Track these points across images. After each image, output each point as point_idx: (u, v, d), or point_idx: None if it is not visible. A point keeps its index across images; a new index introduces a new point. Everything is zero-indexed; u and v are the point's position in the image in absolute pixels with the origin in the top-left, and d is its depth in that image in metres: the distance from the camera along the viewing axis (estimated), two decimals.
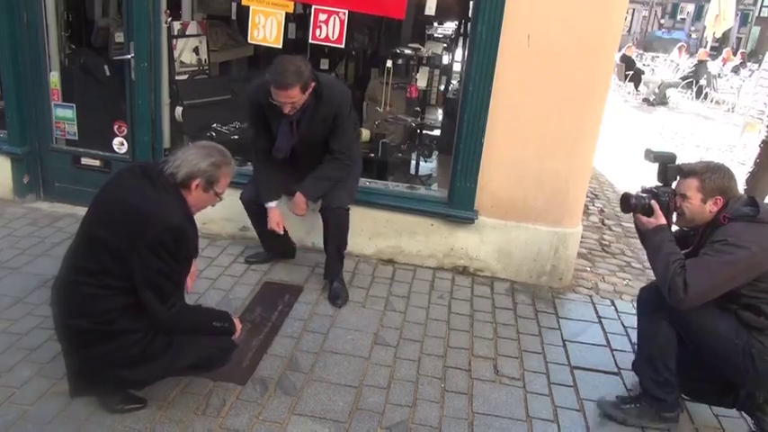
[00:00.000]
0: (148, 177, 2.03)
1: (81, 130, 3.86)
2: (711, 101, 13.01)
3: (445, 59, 4.68)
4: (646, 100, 12.86)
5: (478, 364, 2.74)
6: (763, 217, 2.14)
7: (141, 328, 2.02)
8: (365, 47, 4.99)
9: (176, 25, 3.99)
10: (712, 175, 2.23)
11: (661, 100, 12.74)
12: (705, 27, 17.78)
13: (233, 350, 2.26)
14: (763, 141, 5.00)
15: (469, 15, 3.50)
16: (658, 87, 12.82)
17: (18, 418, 2.11)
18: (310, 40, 3.36)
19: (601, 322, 3.24)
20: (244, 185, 3.21)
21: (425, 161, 4.61)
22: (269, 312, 2.97)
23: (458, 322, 3.08)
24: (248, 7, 3.34)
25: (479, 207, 3.48)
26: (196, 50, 4.18)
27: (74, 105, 3.83)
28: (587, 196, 4.56)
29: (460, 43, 4.76)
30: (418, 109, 4.35)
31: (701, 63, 13.36)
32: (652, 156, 2.39)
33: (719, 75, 13.91)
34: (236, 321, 2.29)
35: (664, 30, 34.55)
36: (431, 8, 3.55)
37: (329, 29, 3.30)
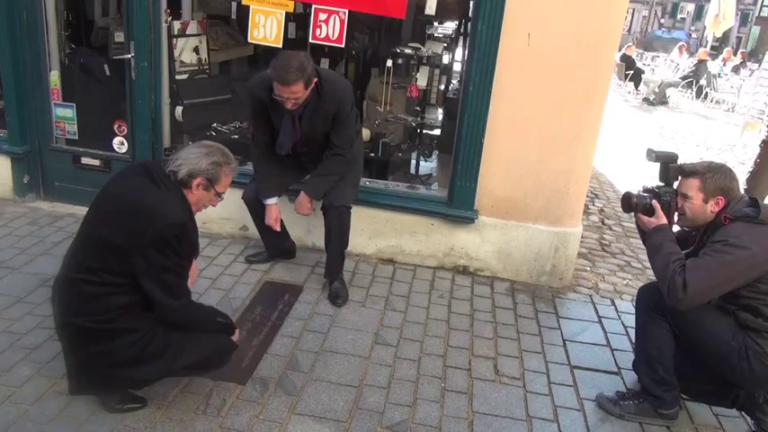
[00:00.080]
0: (150, 176, 2.04)
1: (81, 130, 3.87)
2: (711, 100, 13.01)
3: (445, 59, 4.66)
4: (646, 100, 12.86)
5: (478, 364, 2.75)
6: (763, 218, 2.14)
7: (141, 328, 2.02)
8: (365, 46, 4.98)
9: (176, 25, 3.98)
10: (714, 176, 2.23)
11: (661, 99, 12.74)
12: (705, 27, 17.80)
13: (232, 351, 2.26)
14: (764, 141, 4.99)
15: (470, 15, 3.49)
16: (658, 87, 12.81)
17: (18, 418, 2.11)
18: (310, 40, 3.35)
19: (601, 322, 3.24)
20: (245, 185, 3.21)
21: (425, 161, 4.61)
22: (269, 312, 2.97)
23: (458, 322, 3.08)
24: (248, 7, 3.34)
25: (479, 207, 3.48)
26: (196, 50, 4.18)
27: (74, 105, 3.84)
28: (587, 196, 4.56)
29: (461, 43, 4.75)
30: (418, 108, 4.34)
31: (701, 63, 13.36)
32: (654, 155, 2.39)
33: (719, 74, 13.91)
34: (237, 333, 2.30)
35: (664, 29, 34.55)
36: (431, 8, 3.55)
37: (329, 28, 3.30)
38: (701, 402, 2.57)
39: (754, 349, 2.18)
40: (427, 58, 4.25)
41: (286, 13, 3.33)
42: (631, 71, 13.38)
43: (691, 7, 37.09)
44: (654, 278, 2.33)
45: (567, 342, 3.00)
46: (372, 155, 4.10)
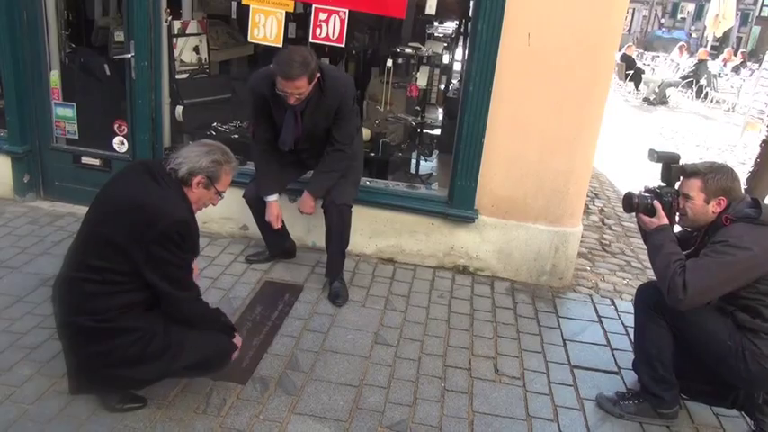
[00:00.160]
0: (151, 174, 2.05)
1: (81, 130, 3.87)
2: (712, 100, 13.01)
3: (446, 59, 4.66)
4: (646, 99, 12.86)
5: (479, 364, 2.75)
6: (764, 219, 2.14)
7: (141, 327, 2.03)
8: (365, 46, 4.98)
9: (176, 24, 3.98)
10: (716, 176, 2.23)
11: (661, 99, 12.74)
12: (705, 27, 17.80)
13: (232, 353, 2.25)
14: (764, 141, 5.00)
15: (470, 15, 3.49)
16: (658, 87, 12.81)
17: (18, 417, 2.12)
18: (310, 40, 3.35)
19: (601, 321, 3.24)
20: (245, 185, 3.21)
21: (426, 160, 4.61)
22: (269, 311, 2.97)
23: (458, 321, 3.08)
24: (248, 6, 3.34)
25: (480, 206, 3.48)
26: (196, 49, 4.18)
27: (74, 104, 3.84)
28: (587, 196, 4.56)
29: (461, 42, 4.75)
30: (418, 108, 4.34)
31: (702, 63, 13.36)
32: (655, 156, 2.39)
33: (720, 74, 13.91)
34: (237, 340, 2.30)
35: (664, 29, 34.54)
36: (431, 7, 3.55)
37: (329, 28, 3.30)
38: (700, 402, 2.57)
39: (750, 350, 2.18)
40: (427, 57, 4.25)
41: (286, 12, 3.33)
42: (631, 71, 13.37)
43: (691, 7, 37.08)
44: (654, 277, 2.33)
45: (567, 342, 3.01)
46: (373, 154, 4.10)
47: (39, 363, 2.40)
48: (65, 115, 3.85)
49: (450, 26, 5.14)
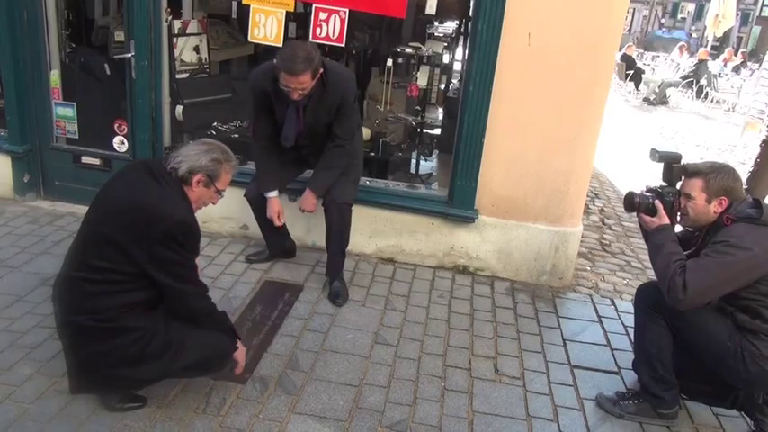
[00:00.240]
0: (152, 174, 2.05)
1: (81, 129, 3.86)
2: (712, 100, 13.00)
3: (446, 58, 4.66)
4: (646, 99, 12.86)
5: (478, 363, 2.75)
6: (766, 219, 2.14)
7: (142, 327, 2.03)
8: (366, 46, 4.98)
9: (177, 24, 3.98)
10: (717, 176, 2.23)
11: (661, 99, 12.74)
12: (706, 26, 17.80)
13: (231, 353, 2.25)
14: (764, 141, 5.00)
15: (470, 14, 3.49)
16: (659, 87, 12.81)
17: (18, 416, 2.12)
18: (310, 39, 3.35)
19: (601, 321, 3.24)
20: (245, 184, 3.21)
21: (426, 160, 4.60)
22: (269, 311, 2.97)
23: (458, 321, 3.08)
24: (249, 6, 3.34)
25: (480, 206, 3.48)
26: (196, 49, 4.18)
27: (74, 104, 3.83)
28: (587, 196, 4.56)
29: (461, 42, 4.75)
30: (419, 108, 4.34)
31: (702, 62, 13.35)
32: (657, 156, 2.39)
33: (720, 74, 13.91)
34: (241, 348, 2.30)
35: (664, 29, 34.53)
36: (431, 7, 3.55)
37: (330, 28, 3.30)
38: (700, 402, 2.57)
39: (749, 350, 2.18)
40: (428, 57, 4.25)
41: (286, 12, 3.33)
42: (632, 71, 13.37)
43: (691, 7, 37.06)
44: (654, 277, 2.33)
45: (567, 341, 3.01)
46: (373, 154, 4.09)
47: (39, 362, 2.40)
48: (65, 115, 3.85)
49: (450, 26, 5.14)
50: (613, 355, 2.92)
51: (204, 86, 4.20)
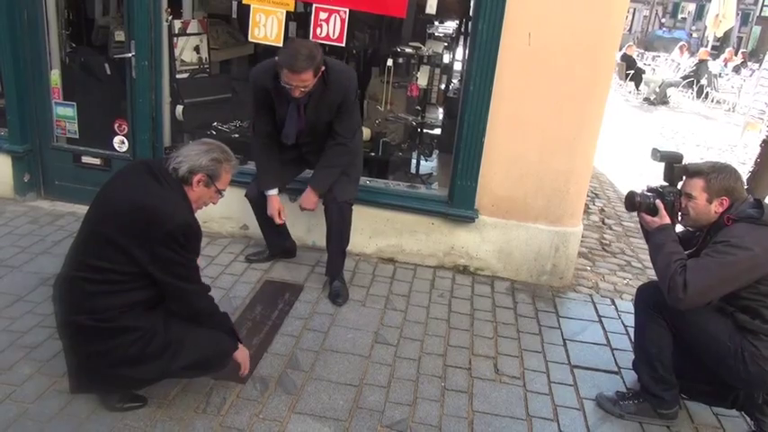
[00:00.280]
0: (152, 174, 2.05)
1: (81, 129, 3.86)
2: (712, 100, 13.00)
3: (446, 58, 4.66)
4: (646, 99, 12.85)
5: (479, 363, 2.75)
6: (767, 219, 2.14)
7: (142, 327, 2.03)
8: (366, 45, 4.98)
9: (177, 23, 3.98)
10: (718, 176, 2.23)
11: (662, 99, 12.73)
12: (706, 26, 17.80)
13: (231, 353, 2.25)
14: (764, 141, 5.00)
15: (470, 14, 3.49)
16: (659, 87, 12.80)
17: (19, 416, 2.12)
18: (311, 39, 3.35)
19: (601, 321, 3.24)
20: (246, 184, 3.21)
21: (426, 160, 4.60)
22: (269, 311, 2.97)
23: (458, 321, 3.08)
24: (249, 6, 3.34)
25: (480, 206, 3.48)
26: (197, 49, 4.18)
27: (74, 104, 3.83)
28: (588, 195, 4.56)
29: (461, 42, 4.75)
30: (419, 108, 4.34)
31: (702, 62, 13.35)
32: (659, 155, 2.39)
33: (720, 74, 13.90)
34: (243, 350, 2.30)
35: (665, 29, 34.51)
36: (432, 7, 3.55)
37: (330, 27, 3.30)
38: (700, 402, 2.56)
39: (750, 351, 2.18)
40: (428, 57, 4.25)
41: (287, 12, 3.33)
42: (632, 71, 13.37)
43: (691, 7, 37.05)
44: (654, 277, 2.33)
45: (567, 341, 3.00)
46: (373, 154, 4.09)
47: (39, 362, 2.40)
48: (65, 114, 3.85)
49: (450, 26, 5.13)
50: (613, 355, 2.92)
51: (204, 86, 4.20)
